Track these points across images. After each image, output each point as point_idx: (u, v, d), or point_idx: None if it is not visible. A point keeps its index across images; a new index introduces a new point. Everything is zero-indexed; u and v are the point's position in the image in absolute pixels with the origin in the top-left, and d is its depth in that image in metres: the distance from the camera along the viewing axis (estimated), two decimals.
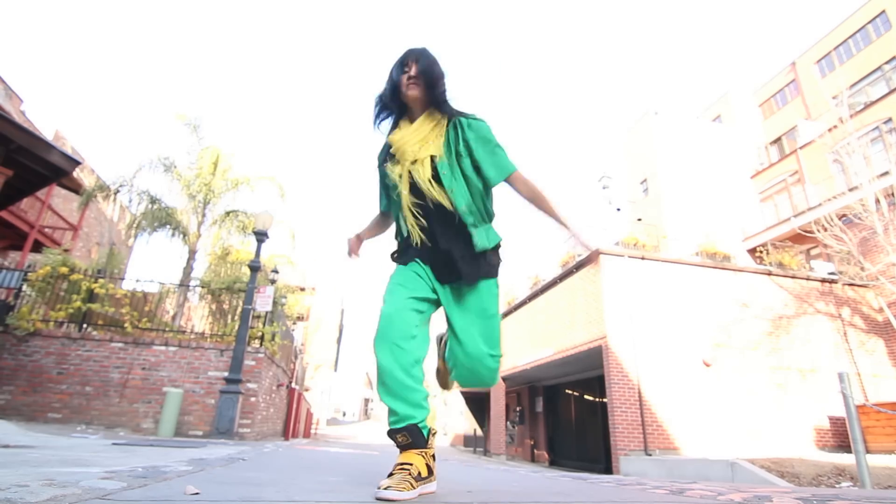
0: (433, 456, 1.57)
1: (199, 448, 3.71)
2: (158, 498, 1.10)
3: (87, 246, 15.41)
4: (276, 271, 11.96)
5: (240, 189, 11.12)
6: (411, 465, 1.45)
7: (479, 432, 20.15)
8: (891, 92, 14.57)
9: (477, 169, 1.63)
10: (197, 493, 1.18)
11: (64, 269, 7.66)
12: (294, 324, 21.01)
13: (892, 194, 10.44)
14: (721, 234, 14.92)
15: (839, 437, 9.32)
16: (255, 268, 7.55)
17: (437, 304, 1.67)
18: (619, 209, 19.07)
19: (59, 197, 13.37)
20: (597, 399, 12.21)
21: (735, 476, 6.04)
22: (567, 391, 14.18)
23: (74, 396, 6.81)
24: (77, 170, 8.88)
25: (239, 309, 8.02)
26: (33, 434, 4.22)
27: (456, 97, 1.68)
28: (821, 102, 17.22)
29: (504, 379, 15.06)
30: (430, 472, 1.53)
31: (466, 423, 22.79)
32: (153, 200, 10.25)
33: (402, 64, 1.64)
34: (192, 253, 10.52)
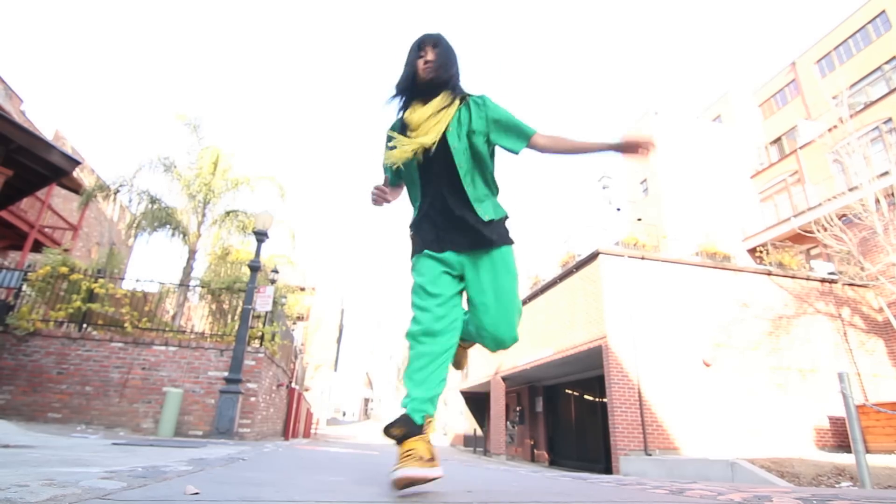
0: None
1: (199, 448, 3.71)
2: (158, 498, 1.10)
3: (87, 246, 15.41)
4: (276, 271, 11.97)
5: (240, 189, 11.12)
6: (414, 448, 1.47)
7: (479, 432, 20.14)
8: (891, 92, 14.57)
9: (489, 144, 1.72)
10: (197, 493, 1.18)
11: (64, 269, 7.65)
12: (294, 324, 21.00)
13: (892, 194, 10.45)
14: (721, 234, 14.93)
15: (839, 437, 9.32)
16: (255, 268, 7.55)
17: (460, 279, 1.72)
18: (619, 209, 19.08)
19: (59, 197, 13.37)
20: (597, 399, 12.21)
21: (735, 476, 6.04)
22: (567, 391, 14.18)
23: (74, 396, 6.80)
24: (77, 170, 8.88)
25: (239, 309, 8.02)
26: (33, 434, 4.22)
27: (468, 81, 1.77)
28: (821, 102, 17.22)
29: (504, 379, 15.06)
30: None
31: (466, 422, 22.78)
32: (153, 200, 10.25)
33: (419, 48, 1.72)
34: (192, 253, 10.52)
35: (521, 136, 1.71)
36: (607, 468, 9.50)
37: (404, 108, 1.77)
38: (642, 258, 10.23)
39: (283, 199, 11.45)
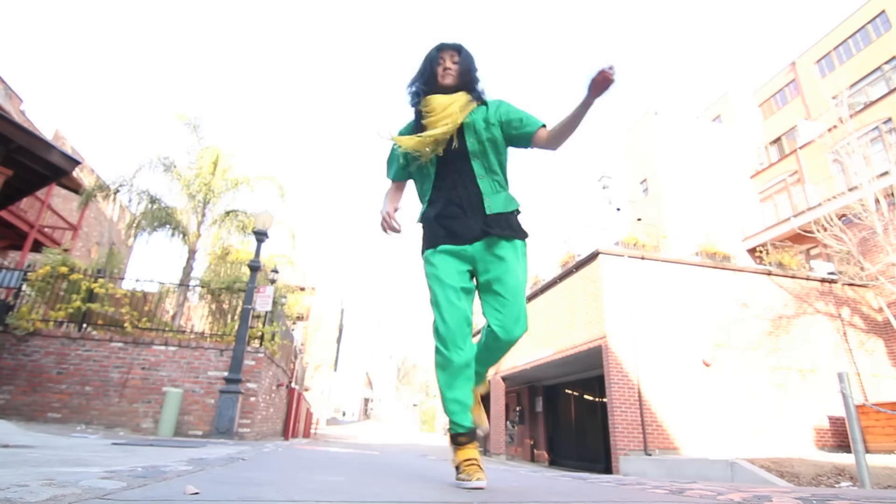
0: None
1: (199, 448, 3.71)
2: (158, 498, 1.10)
3: (87, 246, 15.41)
4: (276, 271, 11.97)
5: (240, 189, 11.12)
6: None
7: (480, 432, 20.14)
8: (891, 92, 14.58)
9: (506, 138, 1.79)
10: (197, 493, 1.18)
11: (64, 269, 7.65)
12: (294, 324, 21.00)
13: (892, 194, 10.44)
14: (721, 234, 14.92)
15: (839, 437, 9.32)
16: (254, 268, 7.55)
17: (472, 274, 1.76)
18: (619, 209, 19.08)
19: (58, 197, 13.37)
20: (597, 399, 12.20)
21: (735, 476, 6.04)
22: (567, 391, 14.18)
23: (74, 396, 6.80)
24: (77, 169, 8.88)
25: (239, 309, 8.02)
26: (33, 434, 4.22)
27: (484, 87, 1.84)
28: (821, 102, 17.22)
29: (504, 379, 15.06)
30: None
31: None
32: (153, 200, 10.25)
33: (437, 56, 1.78)
34: (191, 253, 10.52)
35: (532, 125, 1.76)
36: (607, 468, 9.50)
37: (419, 101, 1.80)
38: (642, 258, 10.23)
39: (283, 199, 11.46)
